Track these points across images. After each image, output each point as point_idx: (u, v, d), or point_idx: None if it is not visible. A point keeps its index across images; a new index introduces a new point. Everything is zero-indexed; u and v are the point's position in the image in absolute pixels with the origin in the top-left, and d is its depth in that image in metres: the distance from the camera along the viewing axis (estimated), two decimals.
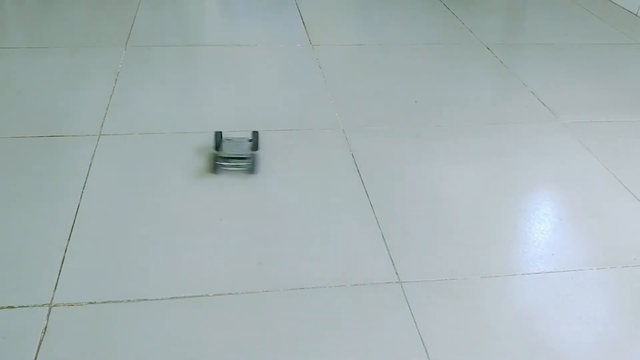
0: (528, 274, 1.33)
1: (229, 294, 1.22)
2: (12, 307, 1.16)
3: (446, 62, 2.35)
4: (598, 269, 1.36)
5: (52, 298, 1.18)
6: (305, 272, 1.29)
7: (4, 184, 1.50)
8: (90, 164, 1.59)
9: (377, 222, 1.45)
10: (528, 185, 1.64)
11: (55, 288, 1.21)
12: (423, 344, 1.14)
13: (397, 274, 1.30)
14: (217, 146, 1.63)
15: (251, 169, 1.59)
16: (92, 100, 1.90)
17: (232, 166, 1.59)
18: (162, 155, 1.65)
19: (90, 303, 1.18)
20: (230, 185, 1.55)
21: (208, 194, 1.51)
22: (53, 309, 1.16)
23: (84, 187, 1.50)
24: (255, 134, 1.67)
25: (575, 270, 1.35)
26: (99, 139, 1.70)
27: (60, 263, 1.27)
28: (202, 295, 1.21)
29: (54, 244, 1.32)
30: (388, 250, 1.36)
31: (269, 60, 2.32)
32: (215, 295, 1.22)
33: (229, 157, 1.60)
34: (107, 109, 1.85)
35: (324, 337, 1.14)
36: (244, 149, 1.63)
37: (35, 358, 1.07)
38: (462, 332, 1.17)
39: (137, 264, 1.28)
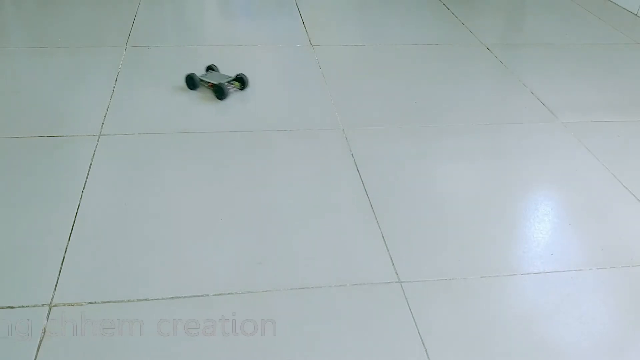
0: (528, 274, 1.33)
1: (229, 294, 1.22)
2: (12, 307, 1.16)
3: (446, 62, 2.35)
4: (598, 269, 1.36)
5: (52, 298, 1.18)
6: (305, 272, 1.29)
7: (3, 184, 1.50)
8: (90, 164, 1.59)
9: (377, 222, 1.45)
10: (528, 185, 1.64)
11: (55, 288, 1.21)
12: (423, 344, 1.14)
13: (397, 274, 1.30)
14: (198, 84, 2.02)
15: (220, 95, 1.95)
16: (92, 100, 1.90)
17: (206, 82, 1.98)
18: (162, 155, 1.65)
19: (90, 303, 1.18)
20: (231, 185, 1.55)
21: (208, 194, 1.51)
22: (53, 309, 1.16)
23: (84, 187, 1.50)
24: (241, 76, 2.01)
25: (575, 270, 1.35)
26: (99, 139, 1.70)
27: (60, 263, 1.27)
28: (202, 295, 1.21)
29: (54, 244, 1.32)
30: (388, 250, 1.36)
31: (269, 60, 2.32)
32: (215, 295, 1.22)
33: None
34: (107, 109, 1.85)
35: (324, 337, 1.14)
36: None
37: (35, 358, 1.07)
38: (461, 332, 1.17)
39: (137, 264, 1.28)
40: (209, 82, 1.98)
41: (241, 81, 2.00)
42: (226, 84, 1.96)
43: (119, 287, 1.22)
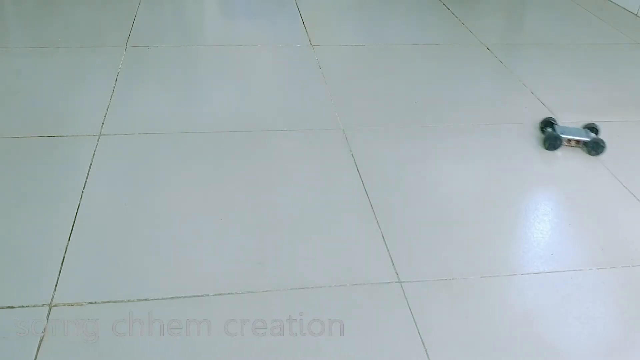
0: (528, 274, 1.33)
1: (229, 294, 1.22)
2: (12, 307, 1.16)
3: (446, 62, 2.35)
4: (598, 269, 1.36)
5: (52, 298, 1.18)
6: (306, 272, 1.29)
7: (4, 184, 1.50)
8: (90, 164, 1.59)
9: (377, 222, 1.45)
10: (528, 185, 1.64)
11: (55, 288, 1.21)
12: (423, 344, 1.14)
13: (397, 274, 1.30)
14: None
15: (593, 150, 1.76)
16: (92, 100, 1.90)
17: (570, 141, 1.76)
18: (162, 155, 1.65)
19: (90, 303, 1.18)
20: (231, 185, 1.55)
21: (208, 194, 1.51)
22: (53, 309, 1.16)
23: (84, 187, 1.50)
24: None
25: (575, 270, 1.35)
26: (99, 139, 1.70)
27: (60, 263, 1.27)
28: (202, 295, 1.21)
29: (54, 244, 1.32)
30: (388, 250, 1.36)
31: (269, 60, 2.32)
32: (215, 295, 1.22)
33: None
34: (107, 109, 1.85)
35: (324, 337, 1.14)
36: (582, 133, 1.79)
37: (35, 358, 1.07)
38: (462, 332, 1.17)
39: (137, 264, 1.28)
40: (575, 139, 1.77)
41: (594, 131, 1.81)
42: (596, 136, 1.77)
43: (119, 287, 1.22)
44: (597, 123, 1.82)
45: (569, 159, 1.75)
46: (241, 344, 1.12)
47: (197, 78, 2.12)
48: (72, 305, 1.17)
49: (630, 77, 2.31)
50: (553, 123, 1.83)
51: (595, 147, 1.75)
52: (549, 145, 1.75)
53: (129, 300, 1.19)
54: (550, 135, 1.77)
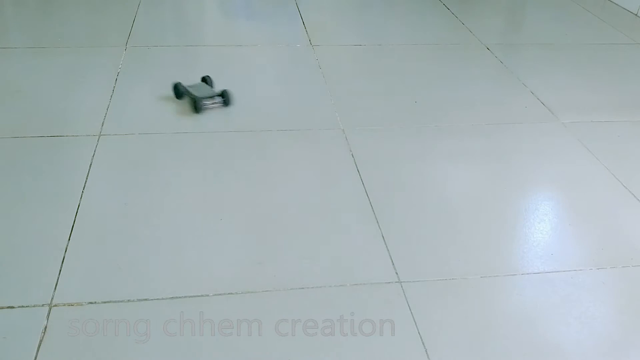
0: (528, 273, 1.33)
1: (229, 294, 1.22)
2: (12, 307, 1.16)
3: (446, 62, 2.35)
4: (598, 269, 1.36)
5: (52, 298, 1.18)
6: (305, 272, 1.29)
7: (4, 184, 1.50)
8: (90, 164, 1.59)
9: (377, 222, 1.45)
10: (528, 185, 1.64)
11: (55, 288, 1.21)
12: (423, 344, 1.14)
13: (397, 274, 1.30)
14: (184, 94, 1.94)
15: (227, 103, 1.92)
16: (92, 100, 1.90)
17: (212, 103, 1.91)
18: (162, 156, 1.65)
19: (90, 303, 1.18)
20: (231, 185, 1.55)
21: (208, 194, 1.51)
22: (53, 309, 1.16)
23: (84, 187, 1.50)
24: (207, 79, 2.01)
25: (575, 270, 1.35)
26: (99, 139, 1.70)
27: (60, 263, 1.27)
28: (202, 295, 1.21)
29: (54, 244, 1.32)
30: (388, 250, 1.36)
31: (269, 60, 2.32)
32: (215, 295, 1.22)
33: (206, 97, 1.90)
34: (107, 109, 1.85)
35: (323, 338, 1.14)
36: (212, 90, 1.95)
37: (35, 358, 1.07)
38: (462, 332, 1.17)
39: (137, 264, 1.28)
40: (191, 94, 1.91)
41: (224, 96, 1.92)
42: (205, 100, 1.88)
43: (119, 287, 1.22)
44: (231, 91, 1.93)
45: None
46: (241, 344, 1.12)
47: (196, 78, 2.12)
48: (72, 305, 1.17)
49: (630, 77, 2.31)
50: (205, 81, 1.99)
51: (193, 106, 1.88)
52: (175, 94, 1.95)
53: (129, 300, 1.19)
54: (174, 86, 1.94)
